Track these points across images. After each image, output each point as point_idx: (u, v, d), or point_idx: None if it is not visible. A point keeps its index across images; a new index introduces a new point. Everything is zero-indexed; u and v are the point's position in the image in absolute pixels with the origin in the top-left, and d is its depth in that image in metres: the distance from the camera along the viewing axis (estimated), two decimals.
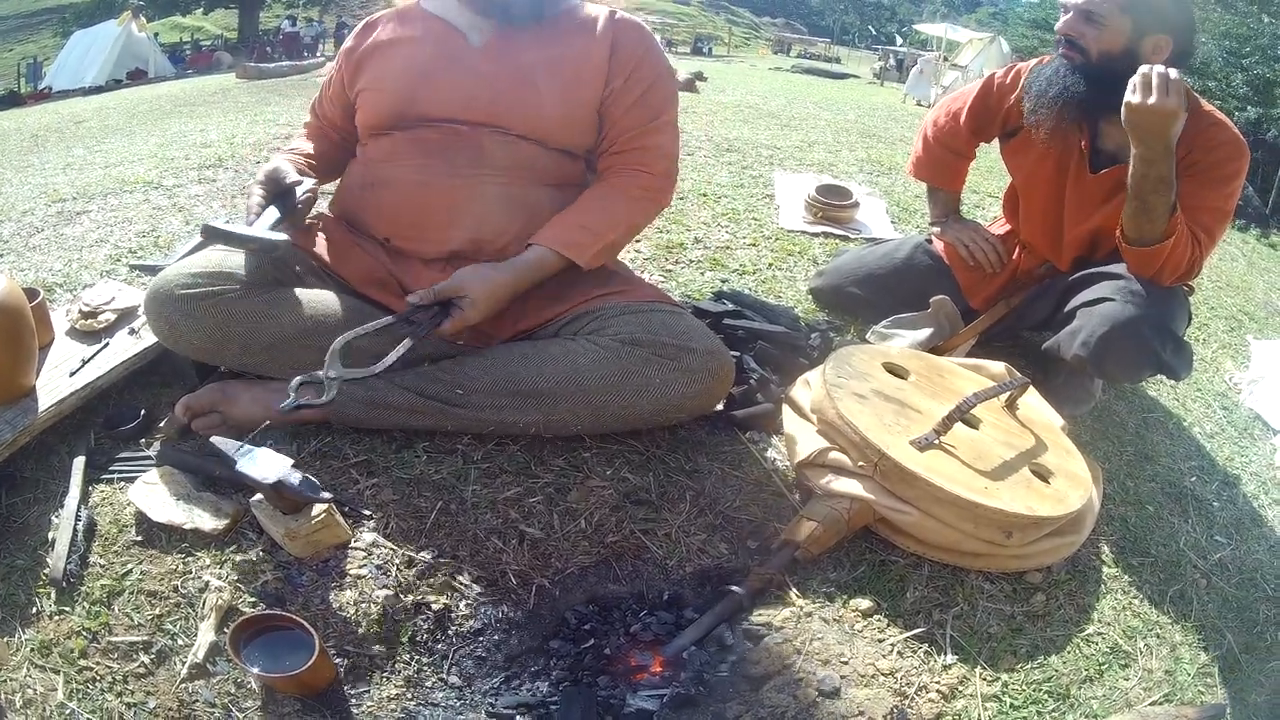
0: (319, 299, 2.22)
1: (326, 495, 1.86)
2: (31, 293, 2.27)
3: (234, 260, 2.21)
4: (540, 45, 2.37)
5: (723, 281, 3.46)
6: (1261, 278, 6.09)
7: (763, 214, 4.51)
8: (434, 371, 2.20)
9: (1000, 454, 2.18)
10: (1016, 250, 3.09)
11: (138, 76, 25.35)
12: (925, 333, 2.90)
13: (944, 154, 3.18)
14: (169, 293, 2.14)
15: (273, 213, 2.21)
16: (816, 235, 4.23)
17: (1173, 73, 2.29)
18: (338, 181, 2.59)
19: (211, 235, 2.12)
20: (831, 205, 4.40)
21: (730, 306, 2.92)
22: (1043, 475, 2.16)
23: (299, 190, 2.32)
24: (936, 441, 2.11)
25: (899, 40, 55.52)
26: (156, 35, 31.93)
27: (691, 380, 2.17)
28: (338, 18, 48.74)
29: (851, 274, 3.20)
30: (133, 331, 2.44)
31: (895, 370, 2.39)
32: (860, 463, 2.08)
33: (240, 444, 1.87)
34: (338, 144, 2.65)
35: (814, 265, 3.76)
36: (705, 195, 4.77)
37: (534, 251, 2.25)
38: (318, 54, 30.43)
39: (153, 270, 3.18)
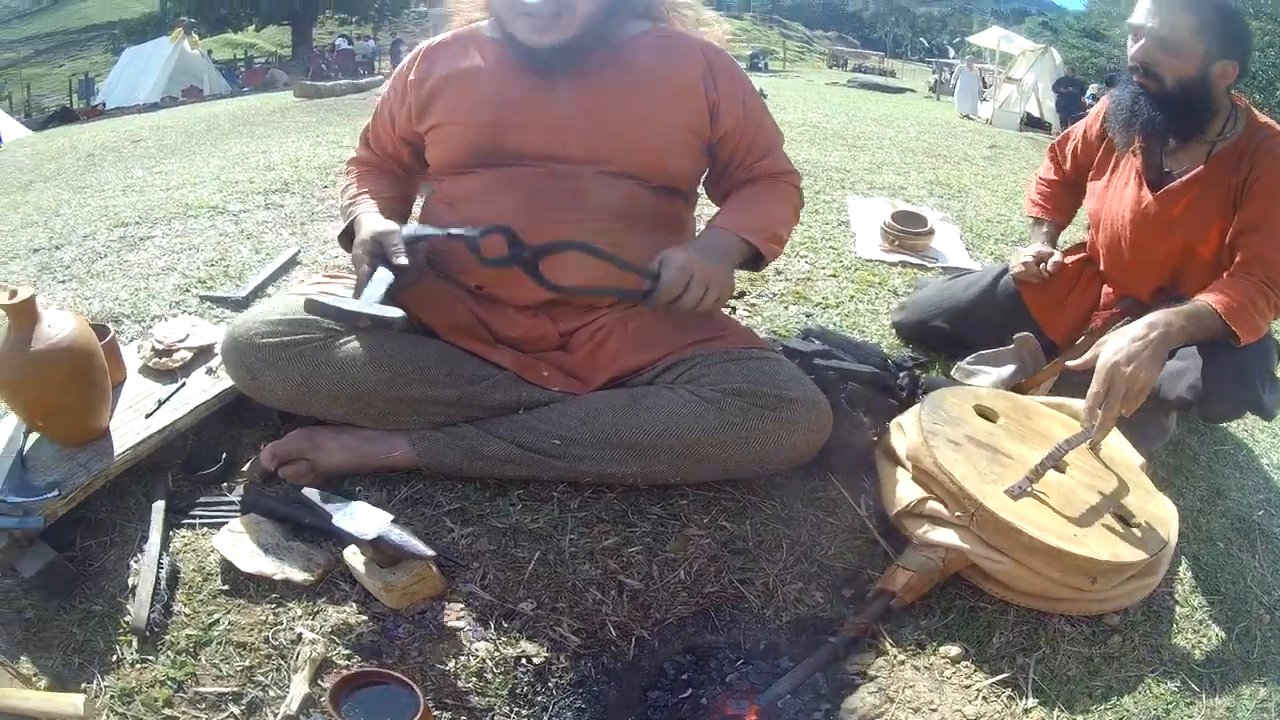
0: (407, 347, 2.21)
1: (428, 551, 1.87)
2: (102, 330, 2.30)
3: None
4: (627, 70, 2.35)
5: (807, 316, 3.51)
6: None
7: (840, 242, 4.58)
8: (530, 421, 2.20)
9: (1086, 498, 2.24)
10: (1098, 283, 3.17)
11: (193, 94, 25.89)
12: (1009, 369, 2.98)
13: (1046, 189, 3.38)
14: (249, 341, 2.16)
15: (383, 278, 2.09)
16: (895, 264, 4.31)
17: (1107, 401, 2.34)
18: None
19: (315, 310, 2.02)
20: (908, 233, 4.52)
21: (820, 346, 2.91)
22: (1125, 518, 2.21)
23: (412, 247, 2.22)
24: (1029, 490, 2.16)
25: (951, 53, 55.76)
26: (210, 52, 32.56)
27: (791, 431, 2.18)
28: (393, 35, 49.48)
29: (934, 308, 3.28)
30: (210, 371, 2.45)
31: (985, 413, 2.45)
32: (957, 513, 2.13)
33: (334, 496, 1.92)
34: (404, 179, 2.67)
35: (894, 296, 3.83)
36: None
37: (719, 232, 2.32)
38: (375, 72, 30.91)
39: (224, 302, 3.26)
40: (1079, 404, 2.46)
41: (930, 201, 5.71)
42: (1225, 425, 3.18)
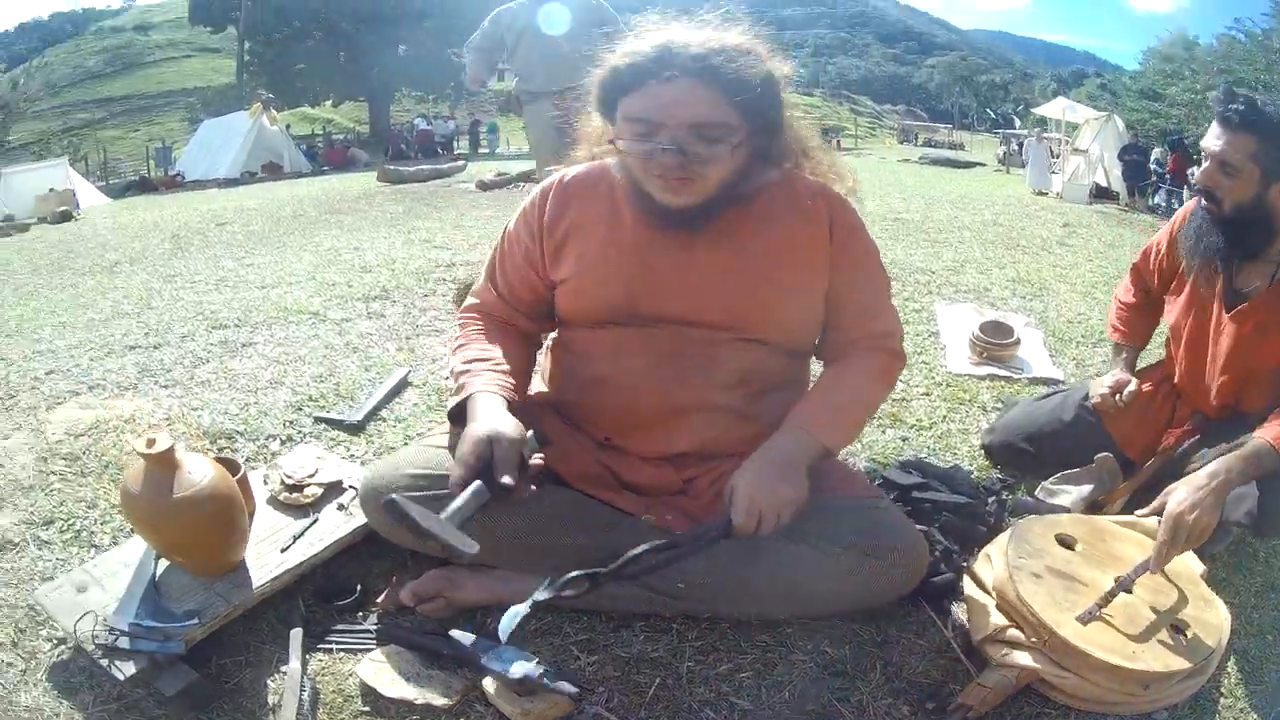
0: (543, 498, 2.24)
1: (573, 690, 2.01)
2: (234, 466, 2.37)
3: (450, 458, 2.24)
4: (760, 228, 2.34)
5: (904, 440, 3.63)
6: None
7: (931, 355, 4.71)
8: (656, 558, 2.21)
9: (1146, 615, 2.36)
10: (1173, 400, 3.31)
11: (272, 170, 26.50)
12: (1088, 488, 3.11)
13: (1125, 314, 3.51)
14: (389, 494, 2.16)
15: (479, 495, 2.00)
16: (983, 378, 4.43)
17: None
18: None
19: (394, 513, 1.96)
20: (995, 345, 4.63)
21: (917, 478, 3.09)
22: (1181, 629, 2.34)
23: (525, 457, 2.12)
24: (1098, 615, 2.29)
25: (1017, 122, 56.43)
26: (288, 127, 33.23)
27: (895, 575, 2.29)
28: (470, 114, 50.35)
29: (1021, 431, 3.42)
30: (342, 508, 2.52)
31: (1065, 540, 2.57)
32: (1033, 638, 2.28)
33: (482, 640, 2.08)
34: (527, 339, 2.58)
35: (984, 412, 3.99)
36: None
37: (795, 437, 2.27)
38: (454, 151, 31.35)
39: (340, 425, 3.32)
40: (1150, 522, 2.59)
41: (1013, 303, 5.85)
42: None
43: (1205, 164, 2.80)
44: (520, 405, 2.26)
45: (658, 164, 2.11)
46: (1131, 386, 3.22)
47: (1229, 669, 2.48)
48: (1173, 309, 3.23)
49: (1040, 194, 19.46)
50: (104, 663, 2.00)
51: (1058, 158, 23.53)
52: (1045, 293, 6.26)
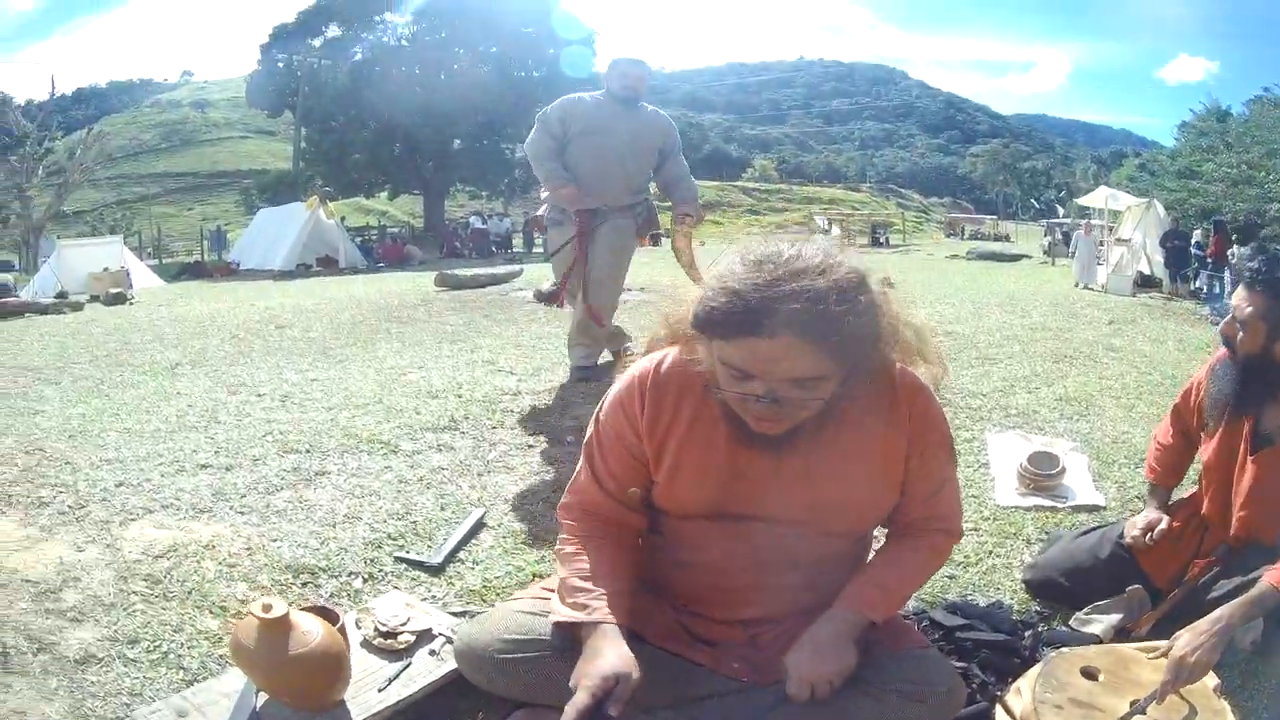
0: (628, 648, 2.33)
1: None
2: (333, 616, 2.52)
3: (541, 625, 2.40)
4: (846, 433, 2.37)
5: (950, 579, 3.79)
6: None
7: (980, 488, 4.88)
8: (722, 709, 2.37)
9: None
10: (1200, 532, 3.52)
11: (327, 264, 27.10)
12: (1118, 617, 3.36)
13: (1162, 455, 3.77)
14: (487, 656, 2.38)
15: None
16: (1029, 509, 4.61)
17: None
18: None
19: None
20: (1041, 475, 4.83)
21: (960, 620, 3.34)
22: None
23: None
24: None
25: (1060, 210, 56.65)
26: (343, 219, 33.83)
27: (934, 715, 2.39)
28: (525, 213, 50.99)
29: (1059, 568, 3.67)
30: (433, 653, 2.72)
31: (1089, 672, 2.74)
32: None
33: None
34: (639, 530, 2.61)
35: (1027, 545, 4.17)
36: None
37: (845, 619, 2.37)
38: (510, 250, 31.76)
39: (421, 566, 3.49)
40: (1180, 648, 2.73)
41: (1060, 425, 6.02)
42: None
43: (1228, 315, 3.22)
44: (630, 632, 2.34)
45: (751, 409, 2.16)
46: (1162, 525, 3.49)
47: None
48: (1206, 447, 3.47)
49: (1087, 288, 19.85)
50: None
51: (1102, 246, 23.96)
52: (1091, 410, 6.47)
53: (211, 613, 3.14)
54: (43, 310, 14.82)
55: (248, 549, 3.59)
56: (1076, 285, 20.37)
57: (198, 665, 2.82)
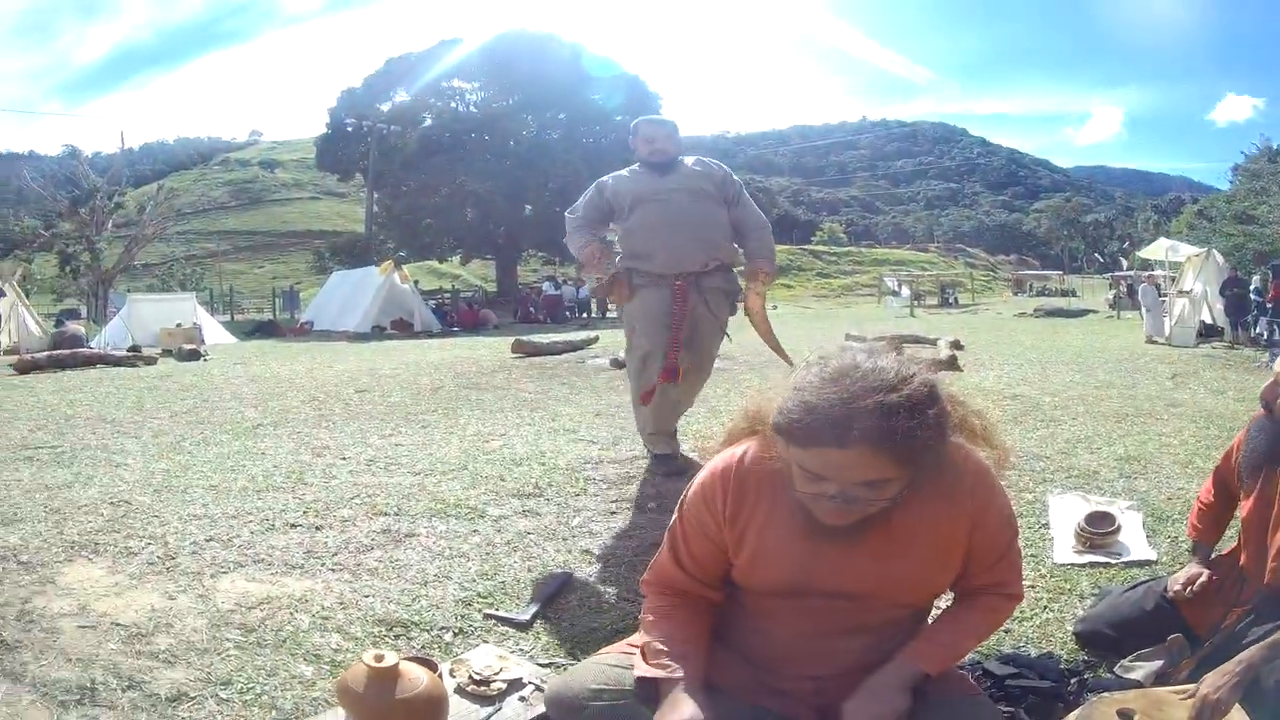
0: (705, 706, 2.47)
1: None
2: (432, 664, 2.79)
3: (627, 678, 2.58)
4: (913, 515, 2.49)
5: (1005, 632, 3.93)
6: None
7: (1039, 547, 5.02)
8: None
9: None
10: (1240, 583, 3.63)
11: (402, 327, 27.49)
12: (1159, 663, 3.51)
13: (1205, 513, 3.98)
14: (577, 704, 2.55)
15: None
16: (1084, 566, 4.77)
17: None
18: None
19: None
20: (1098, 534, 5.03)
21: (1011, 669, 3.55)
22: None
23: None
24: None
25: (1123, 263, 56.36)
26: (417, 283, 34.29)
27: None
28: (598, 279, 51.23)
29: (1106, 620, 3.88)
30: (522, 699, 2.96)
31: (1125, 714, 2.84)
32: None
33: None
34: (716, 603, 2.77)
35: (1080, 600, 4.33)
36: None
37: (900, 669, 2.52)
38: (585, 317, 32.04)
39: (510, 623, 3.70)
40: (1205, 687, 2.91)
41: (1119, 485, 6.16)
42: None
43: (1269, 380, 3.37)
44: (702, 690, 2.50)
45: (823, 506, 2.32)
46: (1203, 579, 3.68)
47: None
48: (1245, 505, 3.62)
49: (1153, 342, 20.08)
50: None
51: (1164, 298, 24.00)
52: (1149, 469, 6.57)
53: (305, 660, 3.36)
54: (116, 362, 15.36)
55: (340, 604, 3.81)
56: (1147, 339, 20.61)
57: (291, 706, 3.05)
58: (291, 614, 3.71)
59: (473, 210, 51.26)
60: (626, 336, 6.28)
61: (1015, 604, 2.83)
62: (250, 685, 3.15)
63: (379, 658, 2.50)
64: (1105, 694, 3.06)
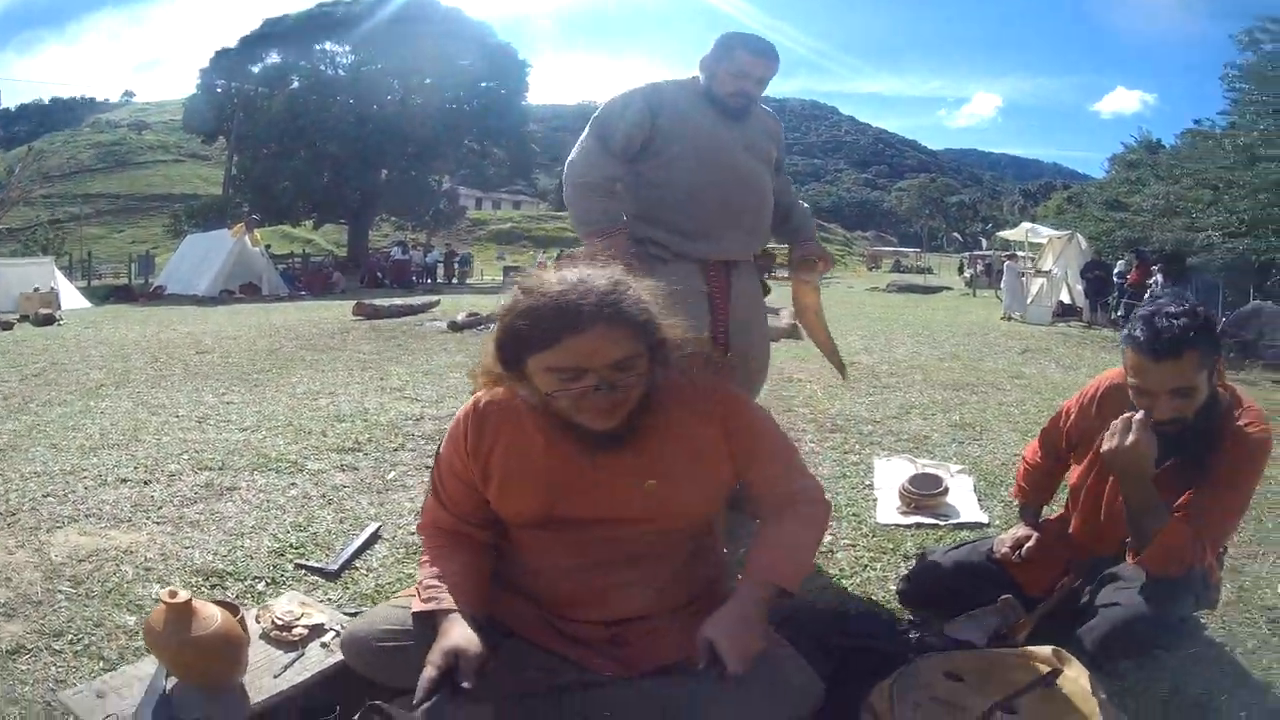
0: (481, 633, 2.48)
1: None
2: (234, 609, 2.77)
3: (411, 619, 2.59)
4: (661, 435, 2.48)
5: (823, 588, 3.86)
6: None
7: (862, 507, 4.92)
8: (589, 699, 2.55)
9: None
10: (1070, 546, 3.51)
11: (250, 291, 26.81)
12: (994, 622, 3.27)
13: (1031, 475, 3.75)
14: (367, 644, 2.57)
15: (443, 698, 2.38)
16: (909, 527, 4.64)
17: (1139, 415, 2.85)
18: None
19: (380, 717, 2.32)
20: (923, 495, 4.86)
21: (832, 624, 3.28)
22: None
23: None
24: None
25: (984, 243, 56.68)
26: (269, 247, 33.52)
27: (795, 708, 2.50)
28: (447, 245, 50.68)
29: (930, 579, 3.63)
30: (324, 645, 2.92)
31: (954, 674, 2.74)
32: None
33: None
34: (485, 541, 2.75)
35: (905, 560, 4.16)
36: None
37: (752, 588, 2.47)
38: (433, 281, 31.66)
39: (319, 572, 3.71)
40: (1043, 650, 2.78)
41: (951, 449, 6.22)
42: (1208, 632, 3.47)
43: (1155, 401, 2.90)
44: (476, 618, 2.48)
45: (589, 401, 2.28)
46: (1030, 542, 3.49)
47: None
48: (1075, 470, 3.50)
49: (1009, 319, 19.97)
50: None
51: (1023, 277, 23.80)
52: (985, 435, 6.63)
53: (129, 610, 3.36)
54: None
55: (162, 555, 3.81)
56: (1005, 317, 20.51)
57: (116, 655, 3.04)
58: (118, 565, 3.71)
59: (329, 174, 49.74)
60: None
61: (827, 511, 2.70)
62: (80, 636, 3.16)
63: (172, 594, 2.51)
64: (933, 654, 2.95)
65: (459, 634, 2.40)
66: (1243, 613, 3.68)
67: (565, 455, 2.49)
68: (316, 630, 3.01)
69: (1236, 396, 3.09)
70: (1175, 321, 2.82)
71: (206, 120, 54.84)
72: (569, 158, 4.05)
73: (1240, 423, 3.01)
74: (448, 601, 2.50)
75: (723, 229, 4.03)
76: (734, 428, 2.55)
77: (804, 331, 4.76)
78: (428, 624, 2.49)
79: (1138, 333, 2.89)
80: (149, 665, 2.73)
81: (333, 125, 48.45)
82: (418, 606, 2.54)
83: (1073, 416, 3.51)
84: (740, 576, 2.54)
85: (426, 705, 2.27)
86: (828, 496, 2.72)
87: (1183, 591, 3.05)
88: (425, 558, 2.70)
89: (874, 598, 3.80)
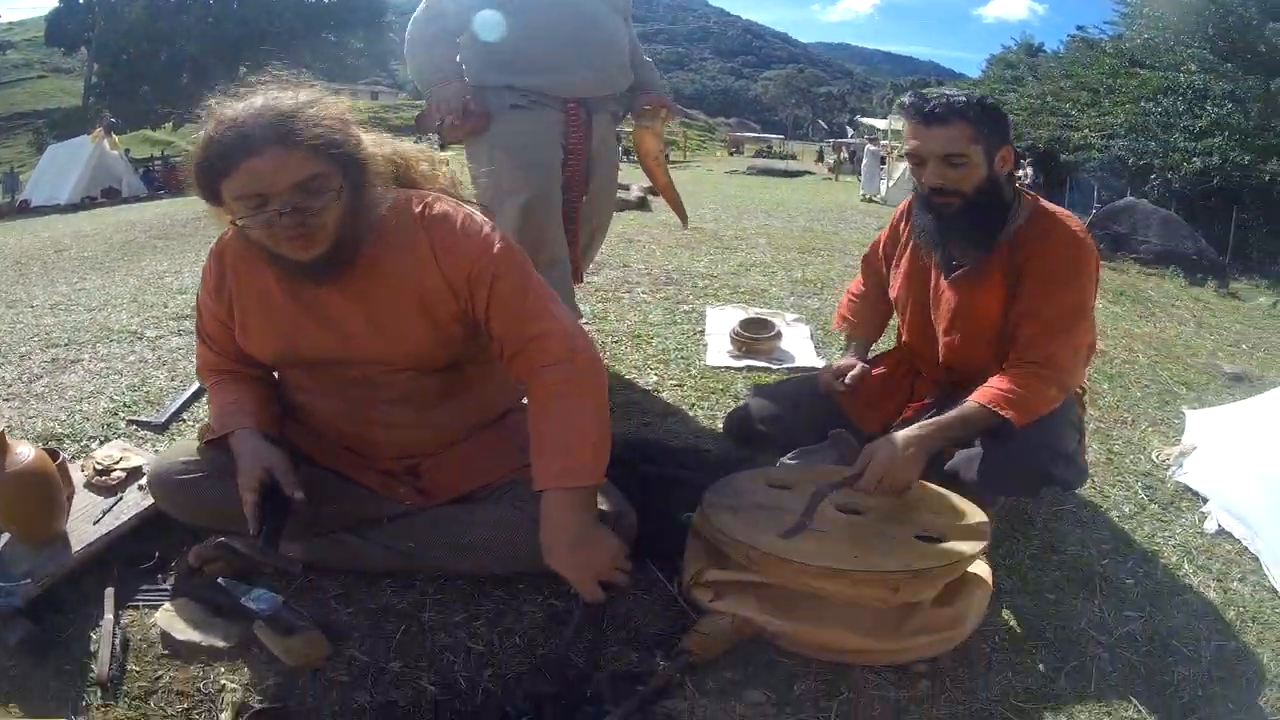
0: (304, 478, 2.46)
1: (306, 625, 2.30)
2: (54, 453, 2.81)
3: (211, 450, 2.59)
4: (379, 271, 2.41)
5: (645, 425, 3.85)
6: (1210, 337, 6.69)
7: (692, 352, 4.90)
8: (391, 529, 2.64)
9: (882, 529, 2.44)
10: (911, 378, 3.43)
11: (111, 195, 25.82)
12: (831, 456, 3.11)
13: (856, 305, 3.69)
14: (169, 477, 2.61)
15: (279, 512, 2.36)
16: (741, 369, 4.62)
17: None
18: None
19: (226, 550, 2.35)
20: (753, 339, 4.80)
21: (649, 455, 3.33)
22: (933, 539, 2.38)
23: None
24: (810, 528, 2.40)
25: (850, 132, 56.54)
26: (128, 151, 32.33)
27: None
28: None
29: (758, 414, 3.40)
30: (141, 489, 2.92)
31: (779, 484, 2.72)
32: (741, 562, 2.37)
33: (242, 585, 2.40)
34: (256, 375, 2.73)
35: (734, 400, 4.09)
36: (639, 336, 5.16)
37: (560, 499, 2.34)
38: None
39: (148, 426, 3.78)
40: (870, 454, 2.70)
41: (789, 302, 6.18)
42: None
43: (926, 165, 2.85)
44: (269, 435, 2.50)
45: (280, 228, 2.19)
46: (856, 370, 3.34)
47: (999, 625, 2.59)
48: (896, 282, 3.33)
49: (870, 200, 19.97)
50: None
51: (884, 163, 23.90)
52: (826, 290, 6.56)
53: None
54: None
55: (8, 428, 3.73)
56: (863, 197, 20.49)
57: None
58: None
59: (189, 75, 47.84)
60: (478, 181, 3.71)
61: (584, 364, 2.45)
62: None
63: None
64: (755, 470, 2.93)
65: (257, 449, 2.42)
66: (1115, 476, 3.75)
67: (294, 294, 2.45)
68: (134, 474, 3.04)
69: (1044, 206, 2.98)
70: (951, 97, 2.80)
71: (68, 33, 52.43)
72: (413, 14, 3.93)
73: (1053, 223, 2.91)
74: (233, 421, 2.51)
75: (574, 65, 3.83)
76: (451, 268, 2.42)
77: (648, 177, 4.68)
78: (222, 451, 2.49)
79: (911, 99, 2.89)
80: None
81: (191, 26, 46.61)
82: (208, 436, 2.58)
83: (885, 235, 3.48)
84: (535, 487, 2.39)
85: (265, 530, 2.31)
86: (608, 349, 2.70)
87: (1064, 424, 2.93)
88: (208, 396, 2.75)
89: (699, 434, 3.81)
